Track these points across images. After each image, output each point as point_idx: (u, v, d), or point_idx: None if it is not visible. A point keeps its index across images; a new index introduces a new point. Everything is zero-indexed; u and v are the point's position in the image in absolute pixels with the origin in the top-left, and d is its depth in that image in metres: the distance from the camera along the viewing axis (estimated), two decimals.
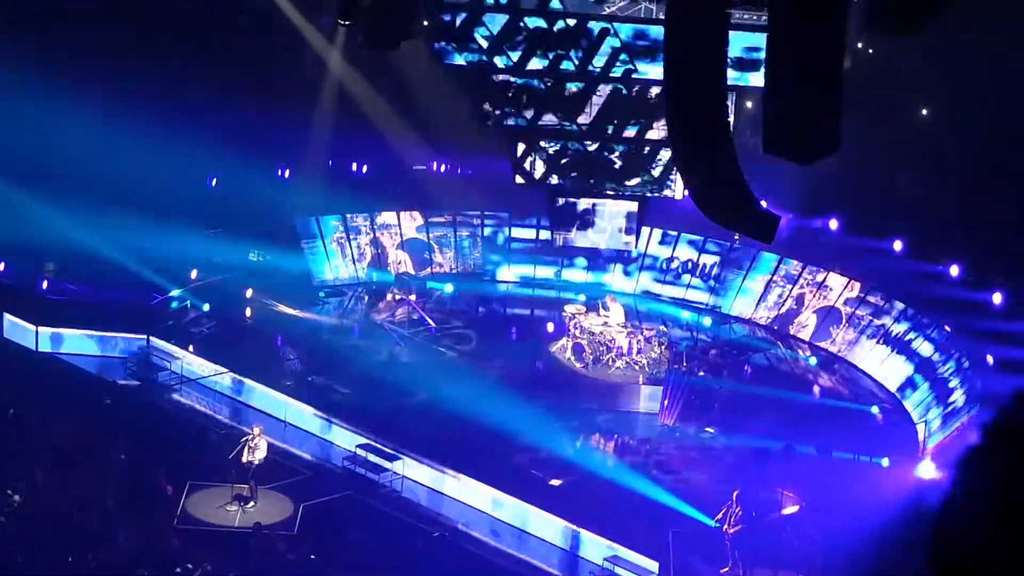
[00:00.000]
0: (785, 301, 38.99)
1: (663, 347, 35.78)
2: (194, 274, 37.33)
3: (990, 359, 32.89)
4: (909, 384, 35.35)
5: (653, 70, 32.37)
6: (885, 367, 36.32)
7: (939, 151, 41.37)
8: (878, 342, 36.87)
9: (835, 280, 38.33)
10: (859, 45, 41.44)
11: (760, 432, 31.20)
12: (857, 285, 37.86)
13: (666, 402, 33.74)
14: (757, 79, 29.72)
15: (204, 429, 31.79)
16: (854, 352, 37.41)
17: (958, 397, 33.10)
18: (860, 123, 37.36)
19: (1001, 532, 2.94)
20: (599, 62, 33.12)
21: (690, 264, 40.47)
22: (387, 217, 41.31)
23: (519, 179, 36.79)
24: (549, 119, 34.87)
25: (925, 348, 35.50)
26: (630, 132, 35.03)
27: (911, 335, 36.11)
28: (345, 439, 31.65)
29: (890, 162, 41.81)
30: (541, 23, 32.66)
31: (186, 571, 25.71)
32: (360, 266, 40.97)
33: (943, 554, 3.09)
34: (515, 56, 33.07)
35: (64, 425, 30.39)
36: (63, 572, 25.35)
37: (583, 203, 38.28)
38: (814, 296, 38.61)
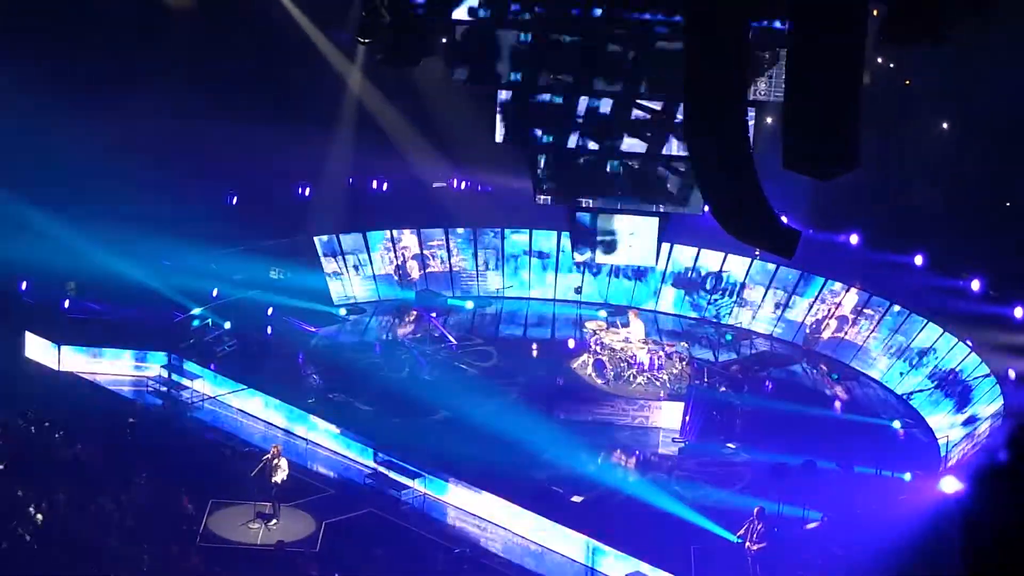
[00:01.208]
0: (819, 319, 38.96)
1: (684, 363, 35.74)
2: (215, 292, 37.38)
3: (1012, 373, 32.82)
4: (930, 398, 35.27)
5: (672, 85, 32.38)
6: (906, 381, 36.23)
7: (959, 165, 41.33)
8: (898, 356, 36.79)
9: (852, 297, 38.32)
10: (878, 60, 41.42)
11: (781, 447, 31.14)
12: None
13: (687, 418, 33.71)
14: (777, 94, 29.72)
15: (226, 447, 31.82)
16: (874, 366, 37.33)
17: (980, 411, 33.02)
18: (880, 138, 37.36)
19: None
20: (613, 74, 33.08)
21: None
22: (407, 234, 41.34)
23: (539, 197, 36.78)
24: (567, 136, 34.85)
25: (947, 361, 35.42)
26: (647, 148, 34.98)
27: (932, 348, 36.04)
28: (366, 456, 31.68)
29: (910, 176, 41.75)
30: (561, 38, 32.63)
31: None
32: (381, 283, 40.99)
33: (973, 568, 3.12)
34: (527, 74, 33.04)
35: (86, 444, 30.45)
36: None
37: (603, 219, 38.23)
38: (833, 312, 38.57)
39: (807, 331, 38.98)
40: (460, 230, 41.65)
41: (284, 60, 43.27)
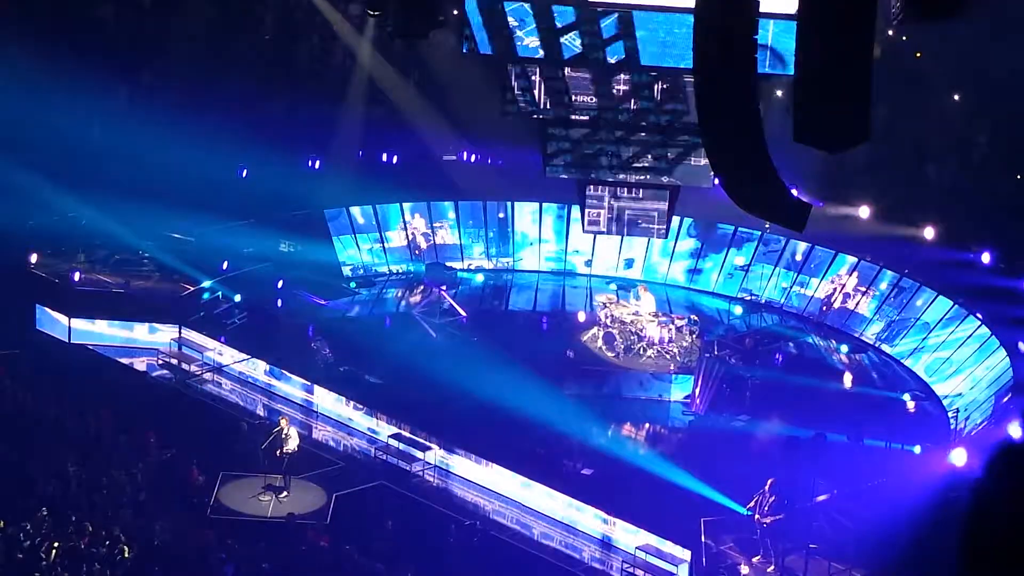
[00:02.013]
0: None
1: (694, 336, 35.75)
2: (225, 265, 37.41)
3: (1023, 346, 32.81)
4: (939, 370, 35.28)
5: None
6: (918, 354, 36.24)
7: (970, 138, 41.25)
8: (909, 329, 36.80)
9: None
10: (889, 33, 41.30)
11: (792, 420, 31.16)
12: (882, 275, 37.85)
13: (697, 391, 33.75)
14: (787, 67, 29.65)
15: (236, 419, 31.91)
16: (886, 339, 37.35)
17: (992, 384, 33.02)
18: (890, 111, 37.29)
19: None
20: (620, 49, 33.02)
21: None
22: (418, 207, 41.34)
23: (549, 170, 36.74)
24: (577, 109, 34.80)
25: (957, 335, 35.41)
26: (658, 121, 34.93)
27: (944, 321, 36.04)
28: (378, 429, 31.75)
29: (921, 149, 41.68)
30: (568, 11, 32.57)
31: (219, 561, 25.83)
32: (391, 256, 41.01)
33: (978, 550, 3.11)
34: (539, 44, 32.99)
35: (97, 416, 30.54)
36: (98, 563, 25.47)
37: (614, 192, 38.19)
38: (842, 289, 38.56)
39: (820, 305, 38.94)
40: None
41: (294, 33, 43.22)
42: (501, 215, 41.58)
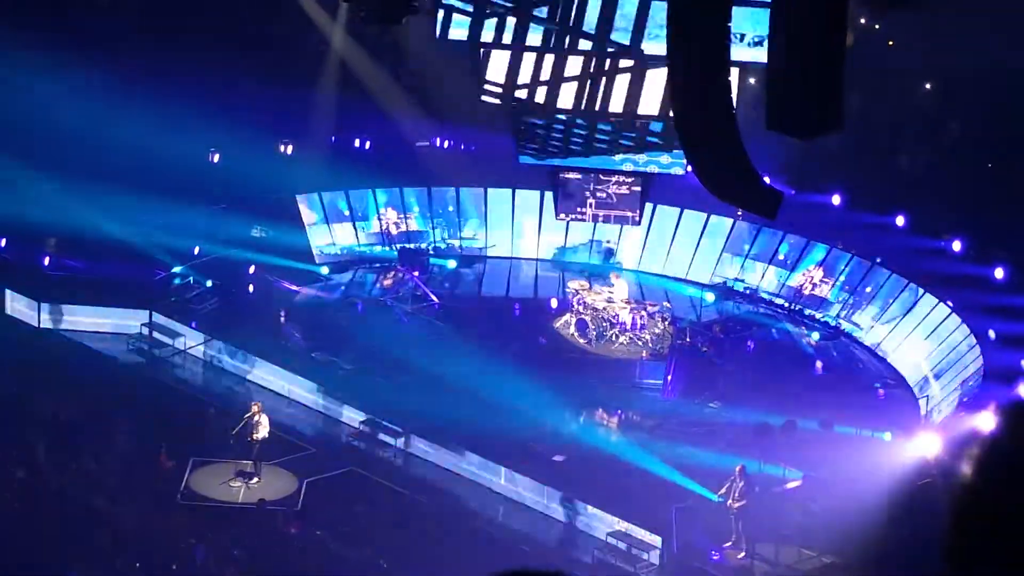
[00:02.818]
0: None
1: (666, 323, 35.79)
2: (197, 250, 37.27)
3: (992, 334, 32.94)
4: (910, 357, 35.40)
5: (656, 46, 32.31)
6: (888, 343, 36.34)
7: (941, 126, 41.36)
8: (881, 317, 36.91)
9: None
10: (862, 21, 41.38)
11: (763, 407, 31.23)
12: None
13: (669, 377, 33.80)
14: (760, 55, 29.68)
15: (206, 405, 31.85)
16: (856, 327, 37.45)
17: (961, 372, 33.15)
18: (863, 99, 37.37)
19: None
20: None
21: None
22: (390, 193, 41.24)
23: (522, 157, 36.73)
24: (548, 96, 34.78)
25: (926, 323, 35.52)
26: (630, 107, 34.93)
27: (911, 309, 36.14)
28: (348, 415, 31.73)
29: (893, 137, 41.77)
30: None
31: (189, 547, 25.80)
32: (363, 242, 40.90)
33: (962, 541, 3.08)
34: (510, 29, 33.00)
35: (66, 401, 30.44)
36: (69, 548, 25.43)
37: (587, 179, 38.21)
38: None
39: (792, 291, 38.99)
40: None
41: (266, 17, 43.04)
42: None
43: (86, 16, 40.25)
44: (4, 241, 36.64)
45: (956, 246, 36.82)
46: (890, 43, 43.03)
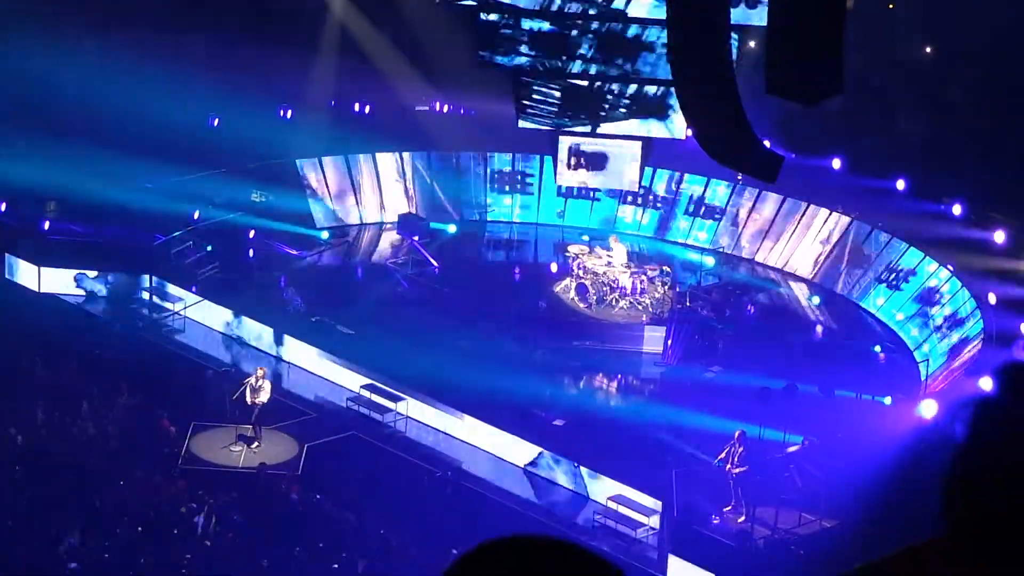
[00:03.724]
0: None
1: (666, 287, 35.79)
2: (197, 215, 37.25)
3: (992, 297, 32.93)
4: (911, 322, 35.41)
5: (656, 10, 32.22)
6: (886, 305, 36.34)
7: (942, 90, 41.27)
8: (880, 281, 36.89)
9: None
10: None
11: (763, 371, 31.23)
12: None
13: (669, 342, 33.81)
14: (760, 18, 29.59)
15: (207, 370, 31.87)
16: (856, 291, 37.44)
17: (960, 335, 33.17)
18: (863, 62, 37.27)
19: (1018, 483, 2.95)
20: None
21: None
22: (389, 157, 41.19)
23: (522, 121, 36.64)
24: (548, 58, 34.70)
25: (928, 286, 35.51)
26: (630, 70, 34.84)
27: (914, 274, 36.14)
28: (349, 379, 31.74)
29: (893, 101, 41.69)
30: None
31: (190, 511, 25.85)
32: (363, 207, 40.88)
33: (958, 506, 3.08)
34: None
35: (67, 367, 30.46)
36: (69, 513, 25.48)
37: (587, 143, 38.12)
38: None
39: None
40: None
41: None
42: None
43: None
44: (4, 205, 36.59)
45: (956, 210, 36.77)
46: (891, 5, 42.93)
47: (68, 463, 27.09)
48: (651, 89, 35.66)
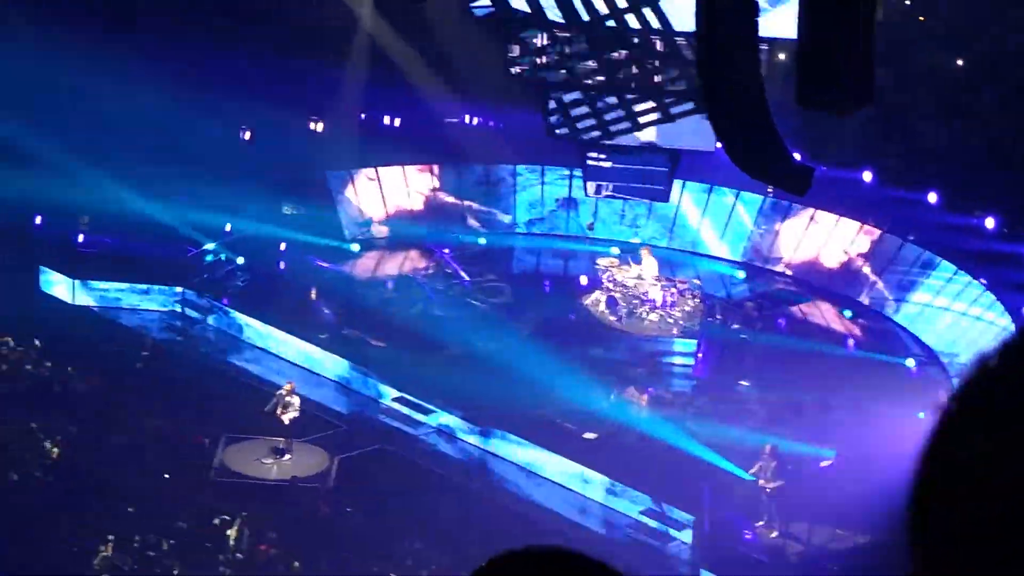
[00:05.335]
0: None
1: (697, 300, 35.71)
2: (228, 227, 37.36)
3: None
4: (942, 335, 35.24)
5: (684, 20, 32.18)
6: (921, 320, 36.19)
7: (974, 102, 41.10)
8: (911, 293, 36.76)
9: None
10: None
11: (795, 385, 31.13)
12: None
13: (700, 355, 33.73)
14: (790, 30, 29.53)
15: (239, 382, 31.93)
16: (888, 304, 37.30)
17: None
18: (894, 74, 37.16)
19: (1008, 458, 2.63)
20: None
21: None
22: (419, 170, 41.23)
23: (551, 132, 36.63)
24: (577, 70, 34.70)
25: (960, 300, 35.35)
26: (658, 82, 34.79)
27: (944, 286, 35.98)
28: (379, 392, 31.76)
29: (924, 113, 41.54)
30: None
31: (222, 523, 25.89)
32: (393, 219, 40.92)
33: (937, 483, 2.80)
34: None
35: (100, 379, 30.55)
36: (100, 525, 25.55)
37: (616, 155, 38.06)
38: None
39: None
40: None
41: None
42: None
43: None
44: (38, 219, 36.79)
45: (989, 223, 36.59)
46: (921, 18, 42.80)
47: (101, 475, 27.17)
48: (681, 101, 35.64)
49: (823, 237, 38.93)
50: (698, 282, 37.05)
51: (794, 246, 39.26)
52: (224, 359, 33.74)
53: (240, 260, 36.62)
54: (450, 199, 41.34)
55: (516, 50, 32.89)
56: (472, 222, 41.16)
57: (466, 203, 41.34)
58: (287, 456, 28.81)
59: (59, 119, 36.86)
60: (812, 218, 39.01)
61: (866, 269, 38.07)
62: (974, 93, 40.95)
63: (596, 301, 36.11)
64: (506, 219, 41.42)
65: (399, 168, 41.08)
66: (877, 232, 38.06)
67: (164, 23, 40.22)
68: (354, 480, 28.29)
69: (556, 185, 41.35)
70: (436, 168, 41.34)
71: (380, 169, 40.92)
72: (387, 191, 40.96)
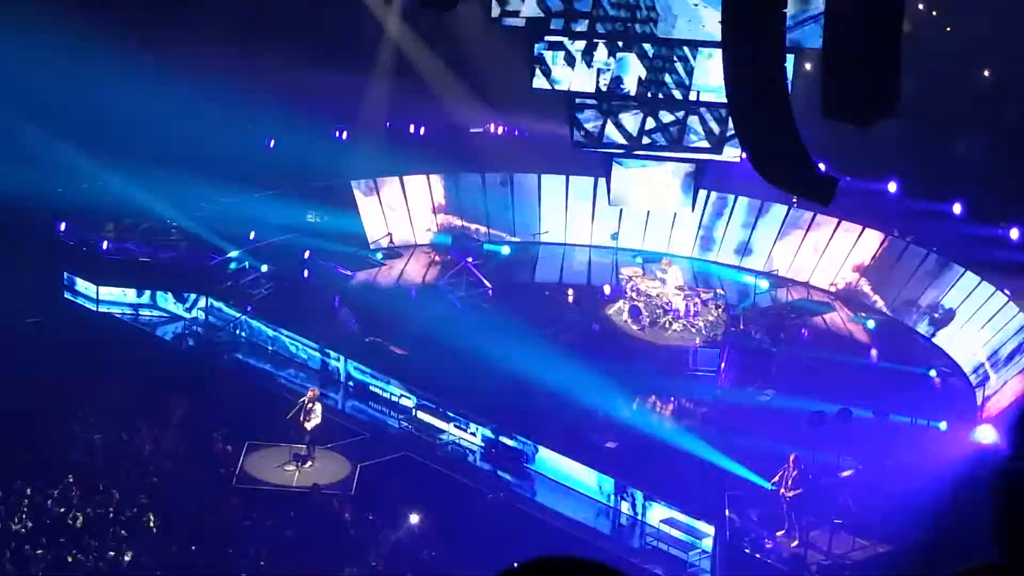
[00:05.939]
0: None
1: (720, 310, 35.68)
2: (252, 235, 37.47)
3: None
4: (969, 349, 35.15)
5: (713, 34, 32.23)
6: (944, 331, 36.11)
7: (999, 114, 41.04)
8: (935, 305, 36.68)
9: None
10: (919, 7, 41.14)
11: (817, 395, 31.08)
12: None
13: (723, 365, 33.70)
14: (815, 41, 29.54)
15: (262, 389, 32.01)
16: (912, 315, 37.22)
17: (1018, 360, 32.92)
18: (920, 85, 37.14)
19: None
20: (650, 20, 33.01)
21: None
22: (443, 179, 41.29)
23: (576, 143, 36.69)
24: (604, 80, 34.77)
25: (984, 311, 35.26)
26: (686, 94, 34.85)
27: (968, 296, 35.90)
28: (402, 400, 31.81)
29: (950, 125, 41.47)
30: None
31: (244, 529, 25.95)
32: (417, 228, 40.98)
33: (1012, 518, 2.98)
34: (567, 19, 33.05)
35: (123, 385, 30.65)
36: (123, 530, 25.62)
37: (640, 165, 38.09)
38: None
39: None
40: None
41: (321, 3, 43.18)
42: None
43: (146, 6, 40.56)
44: (64, 225, 36.96)
45: (1014, 234, 36.49)
46: (947, 29, 42.76)
47: (124, 480, 27.26)
48: (704, 113, 35.68)
49: (847, 247, 38.87)
50: (721, 292, 37.03)
51: (817, 256, 39.22)
52: (247, 366, 33.84)
53: (264, 268, 36.70)
54: (474, 208, 41.37)
55: (543, 61, 32.89)
56: (496, 231, 41.19)
57: (490, 212, 41.37)
58: (309, 463, 28.87)
59: (87, 126, 37.01)
60: (836, 228, 38.96)
61: (889, 279, 37.98)
62: (999, 104, 40.90)
63: (619, 310, 36.12)
64: (529, 228, 41.40)
65: (423, 176, 41.14)
66: (901, 242, 37.98)
67: (192, 33, 40.37)
68: (376, 488, 28.33)
69: (580, 194, 41.35)
70: (460, 177, 41.38)
71: (404, 177, 40.98)
72: (411, 199, 41.02)
